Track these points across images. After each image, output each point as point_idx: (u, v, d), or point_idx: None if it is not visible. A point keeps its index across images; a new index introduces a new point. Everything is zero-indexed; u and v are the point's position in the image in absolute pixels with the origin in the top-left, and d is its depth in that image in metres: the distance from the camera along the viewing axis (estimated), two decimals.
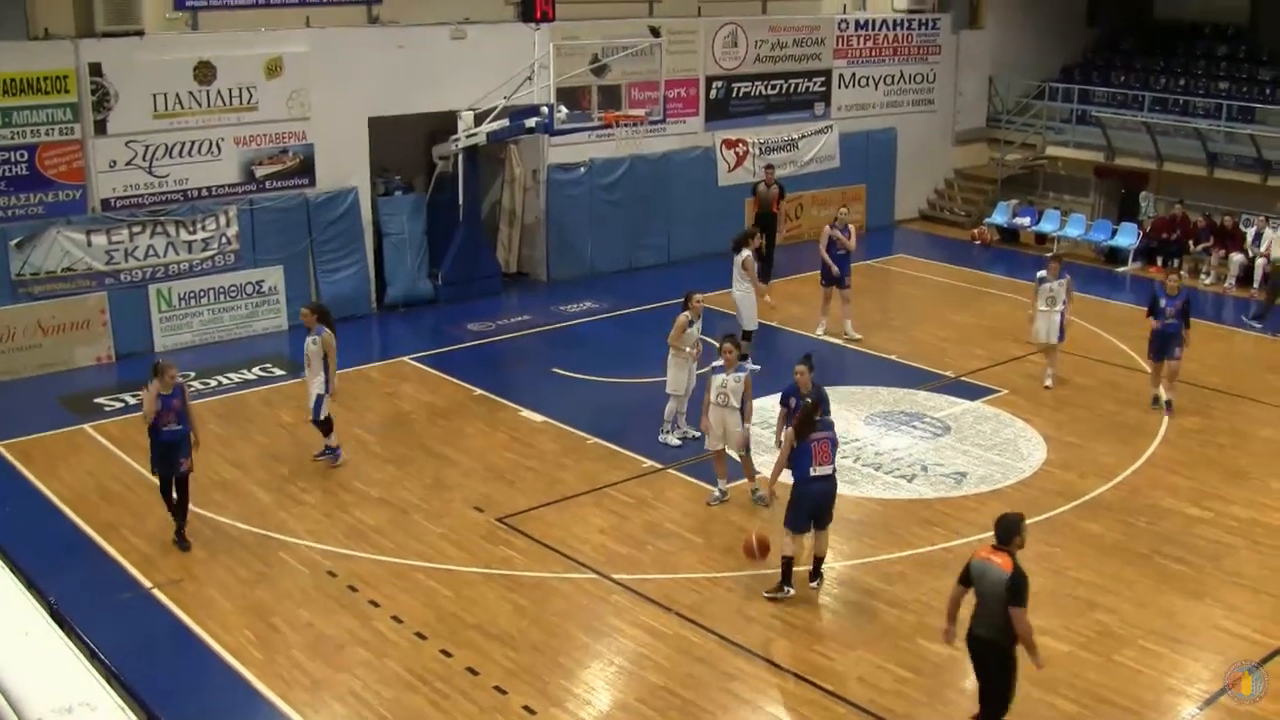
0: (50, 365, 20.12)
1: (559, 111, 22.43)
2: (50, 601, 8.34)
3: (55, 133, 19.93)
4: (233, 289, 21.90)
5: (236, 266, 21.93)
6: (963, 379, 20.03)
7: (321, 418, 16.41)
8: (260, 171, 22.05)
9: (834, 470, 13.22)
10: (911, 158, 31.47)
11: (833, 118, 29.95)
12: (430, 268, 24.27)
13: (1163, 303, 18.29)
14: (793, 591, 13.27)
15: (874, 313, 23.13)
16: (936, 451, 17.22)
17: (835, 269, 21.61)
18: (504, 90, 22.99)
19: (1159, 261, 27.44)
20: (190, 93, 21.07)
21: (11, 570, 7.71)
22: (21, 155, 19.70)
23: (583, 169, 25.84)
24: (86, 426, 18.03)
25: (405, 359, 21.14)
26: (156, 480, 14.52)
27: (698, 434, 16.52)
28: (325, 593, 13.41)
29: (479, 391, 19.48)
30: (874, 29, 30.35)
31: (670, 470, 16.50)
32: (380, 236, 23.78)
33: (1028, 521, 13.79)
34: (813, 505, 13.13)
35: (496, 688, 11.65)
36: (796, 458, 13.08)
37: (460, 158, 23.74)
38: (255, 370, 20.08)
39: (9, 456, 16.95)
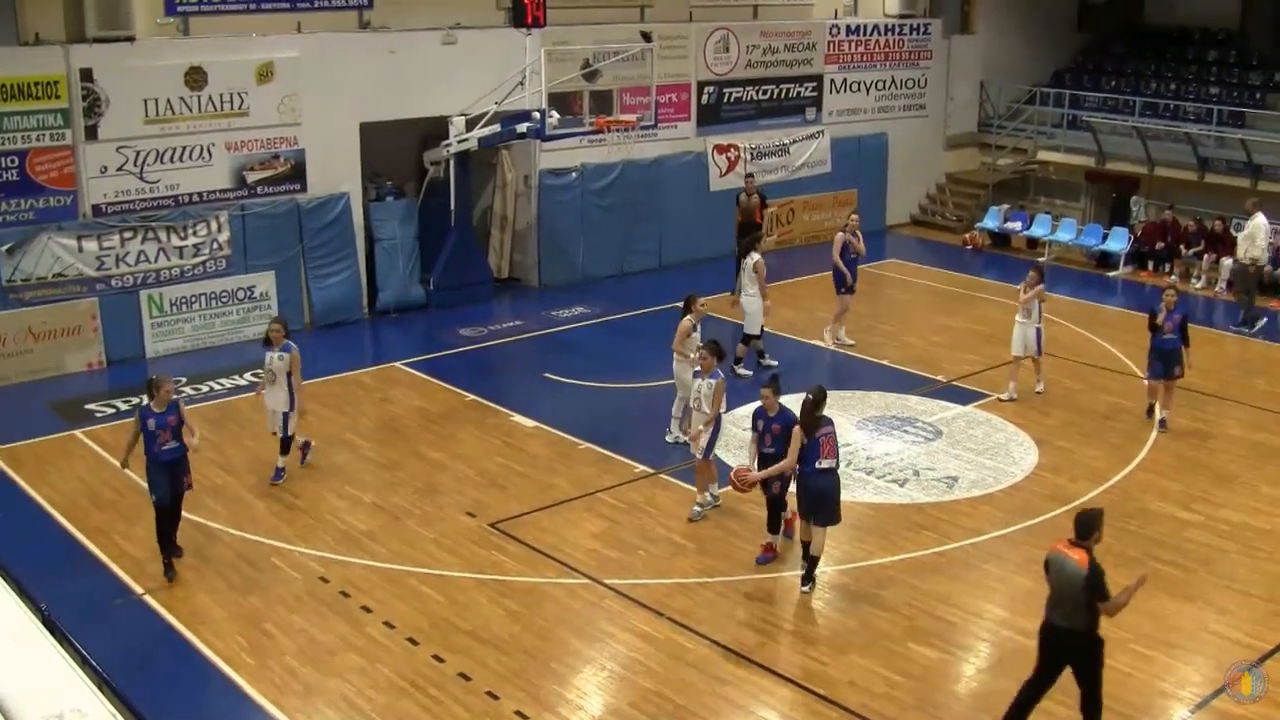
0: (41, 371, 20.08)
1: (550, 117, 22.44)
2: (41, 608, 8.33)
3: (46, 138, 19.91)
4: (224, 295, 21.89)
5: (228, 272, 21.91)
6: (954, 384, 20.06)
7: (290, 433, 16.19)
8: (252, 177, 22.04)
9: (836, 465, 13.38)
10: (903, 163, 31.50)
11: (824, 123, 29.98)
12: (422, 273, 24.26)
13: (1161, 318, 17.74)
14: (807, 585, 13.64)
15: (865, 317, 23.14)
16: (928, 456, 17.23)
17: (850, 276, 21.52)
18: (495, 95, 23.00)
19: (1150, 266, 27.53)
20: (181, 98, 21.05)
21: (2, 577, 7.70)
22: (12, 161, 19.67)
23: (574, 174, 25.85)
24: (77, 432, 18.00)
25: (397, 364, 21.13)
26: (153, 506, 13.74)
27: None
28: (317, 598, 13.39)
29: (471, 397, 19.47)
30: (865, 34, 30.39)
31: (662, 475, 16.50)
32: (372, 242, 23.77)
33: (1023, 525, 13.83)
34: (812, 497, 13.33)
35: (489, 693, 11.65)
36: (805, 451, 13.27)
37: (452, 163, 23.75)
38: (247, 376, 20.01)
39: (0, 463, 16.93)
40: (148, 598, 13.37)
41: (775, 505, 14.04)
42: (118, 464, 13.94)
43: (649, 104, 24.36)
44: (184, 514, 14.41)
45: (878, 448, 17.44)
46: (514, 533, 14.92)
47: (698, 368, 15.24)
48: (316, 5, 22.72)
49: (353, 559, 14.26)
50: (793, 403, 13.75)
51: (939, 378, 20.34)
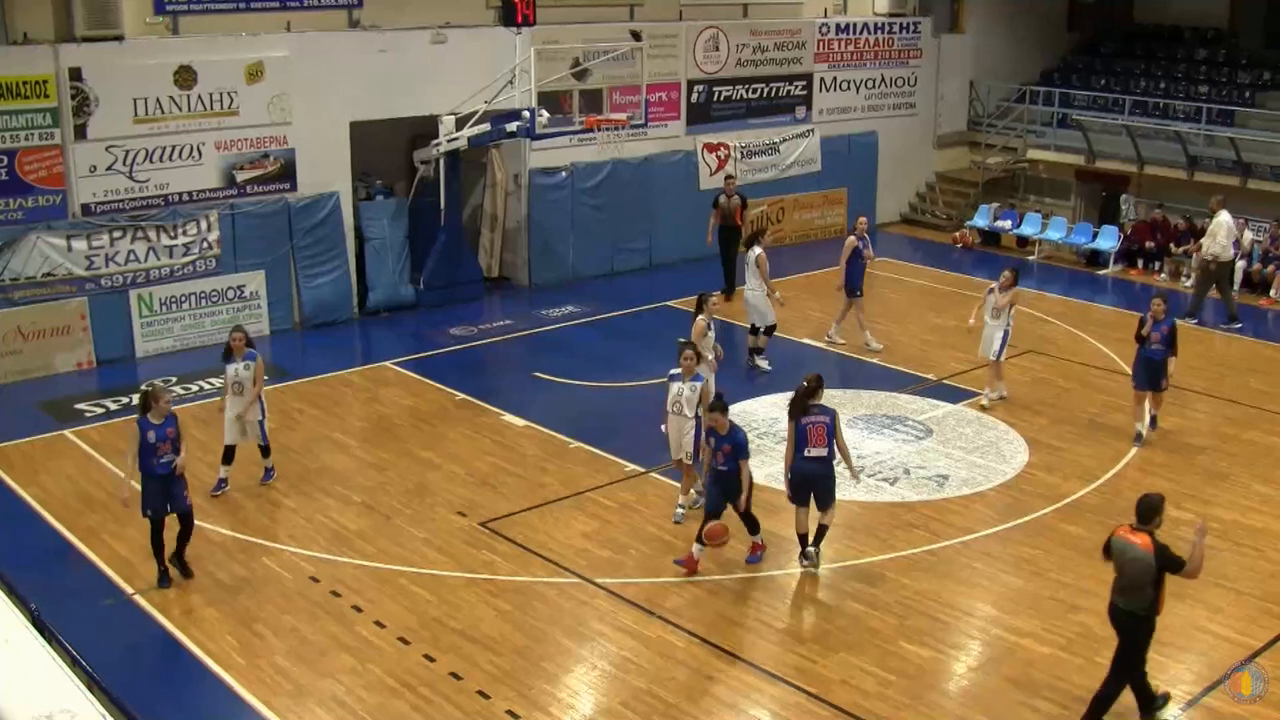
0: (30, 371, 20.03)
1: (540, 116, 22.42)
2: (31, 609, 8.31)
3: (35, 138, 19.86)
4: (214, 294, 21.84)
5: (217, 272, 21.87)
6: (945, 382, 20.07)
7: (267, 439, 16.03)
8: (241, 176, 22.00)
9: (829, 454, 13.65)
10: (893, 161, 31.55)
11: (814, 121, 29.99)
12: (412, 272, 24.23)
13: (1148, 328, 17.28)
14: (809, 564, 13.94)
15: (856, 316, 23.12)
16: (919, 454, 17.25)
17: (856, 281, 21.47)
18: (485, 94, 22.99)
19: (1140, 264, 27.58)
20: (171, 97, 21.01)
21: None
22: (1, 160, 19.62)
23: (564, 173, 25.83)
24: (67, 432, 17.96)
25: (387, 364, 21.11)
26: (148, 523, 13.45)
27: None
28: (308, 598, 13.37)
29: (461, 396, 19.45)
30: (855, 33, 30.41)
31: (653, 474, 16.49)
32: (362, 241, 23.74)
33: (1014, 523, 13.85)
34: (804, 482, 13.76)
35: (480, 692, 11.64)
36: (796, 439, 13.65)
37: (442, 162, 23.72)
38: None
39: None
40: (138, 598, 13.34)
41: (746, 523, 14.03)
42: (122, 497, 13.43)
43: (639, 103, 24.36)
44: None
45: (868, 446, 17.44)
46: (505, 532, 14.90)
47: (675, 370, 15.04)
48: (306, 4, 22.71)
49: (343, 559, 14.24)
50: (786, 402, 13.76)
51: (929, 376, 20.35)
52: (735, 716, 11.44)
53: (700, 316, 17.10)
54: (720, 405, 13.73)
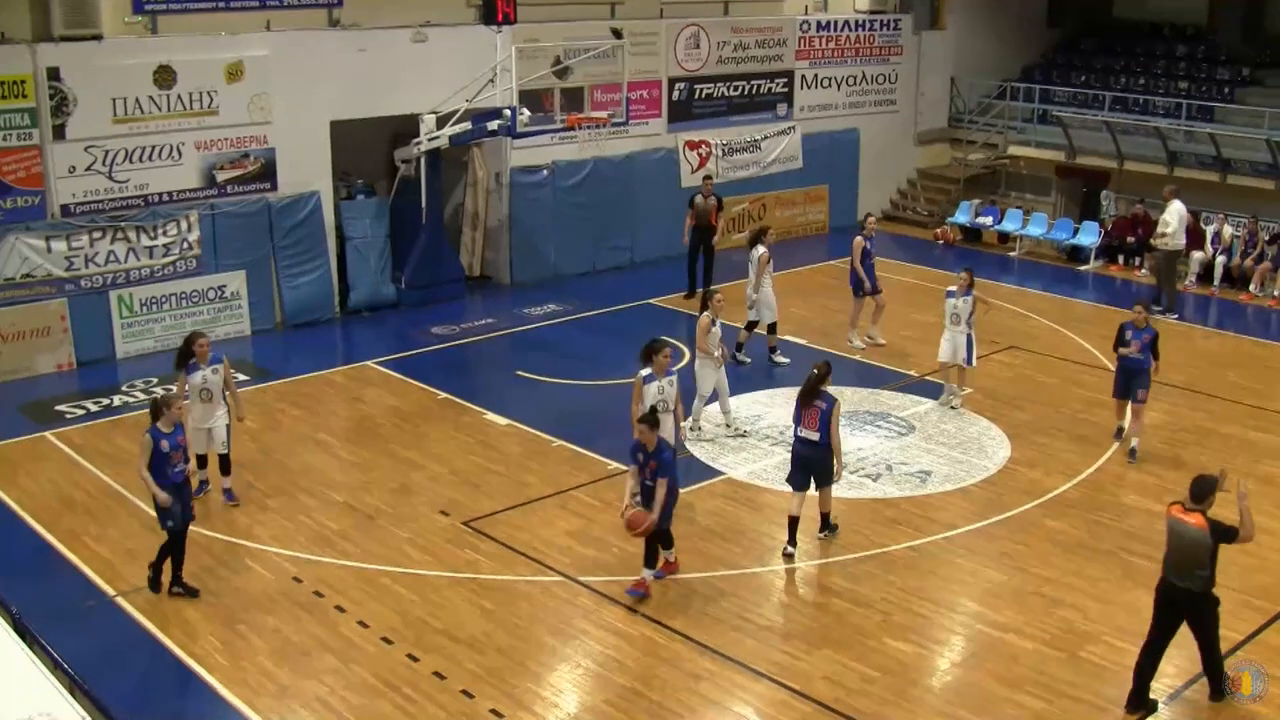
0: (10, 373, 19.93)
1: (521, 114, 22.39)
2: (12, 611, 8.28)
3: (13, 138, 19.76)
4: (195, 294, 21.77)
5: (198, 272, 21.79)
6: (927, 378, 20.08)
7: (228, 449, 15.54)
8: (221, 176, 21.93)
9: (820, 439, 14.01)
10: (874, 158, 31.59)
11: (795, 118, 30.02)
12: (393, 271, 24.18)
13: (1129, 334, 16.93)
14: (793, 550, 14.17)
15: (837, 313, 23.15)
16: (901, 451, 17.28)
17: (868, 282, 21.42)
18: (466, 93, 22.96)
19: (1121, 260, 27.66)
20: (150, 97, 20.93)
21: None
22: None
23: (546, 171, 25.81)
24: (48, 434, 17.88)
25: (369, 363, 21.06)
26: (167, 533, 13.11)
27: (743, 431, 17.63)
28: (291, 599, 13.34)
29: (443, 395, 19.42)
30: (836, 30, 30.44)
31: None
32: (343, 241, 23.68)
33: (997, 519, 13.89)
34: (799, 463, 14.27)
35: (464, 691, 11.63)
36: (794, 420, 14.29)
37: (423, 161, 23.69)
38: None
39: None
40: (120, 600, 13.29)
41: (661, 539, 13.43)
42: (163, 502, 12.95)
43: (620, 100, 24.33)
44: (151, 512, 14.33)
45: (851, 443, 17.39)
46: (488, 531, 14.89)
47: (645, 371, 14.88)
48: (286, 3, 22.63)
49: (326, 559, 14.21)
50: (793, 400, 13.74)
51: (911, 373, 20.38)
52: (719, 713, 11.44)
53: (704, 313, 17.08)
54: (652, 417, 13.32)
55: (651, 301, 24.31)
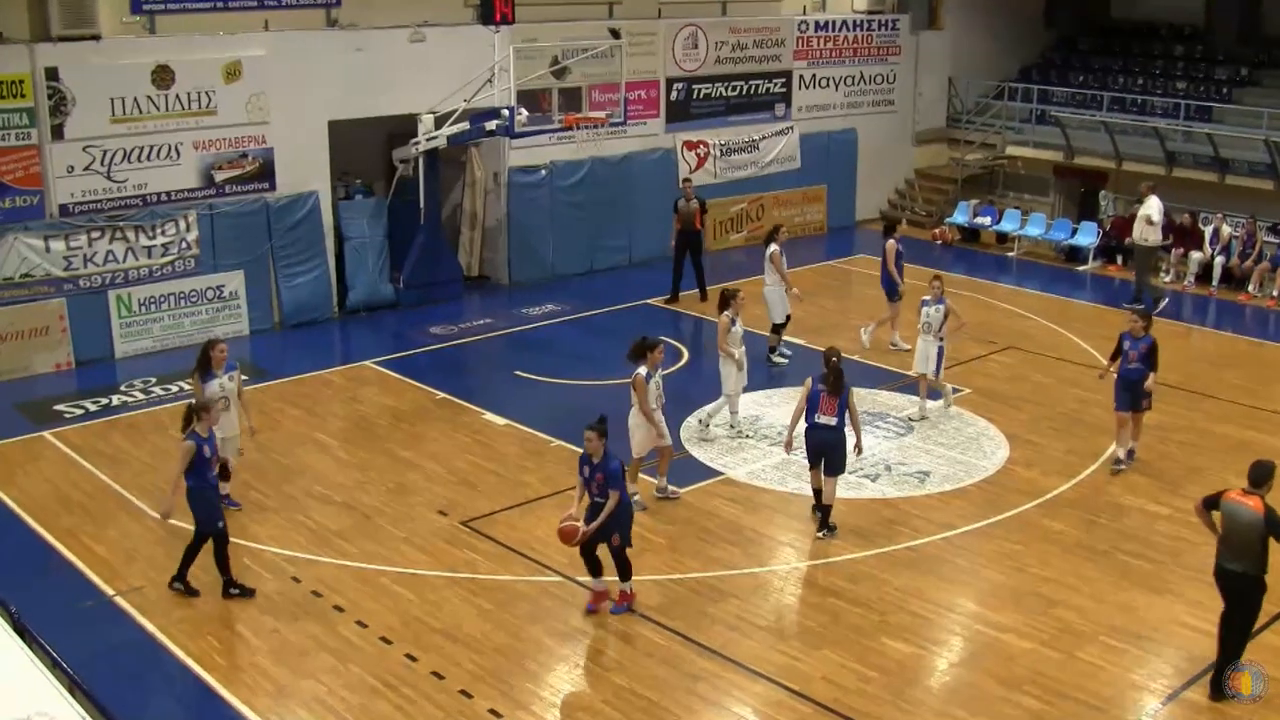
0: (8, 372, 19.92)
1: (519, 114, 22.42)
2: (11, 611, 8.28)
3: (11, 138, 19.76)
4: (193, 294, 21.78)
5: (196, 272, 21.80)
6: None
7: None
8: (220, 176, 21.93)
9: (839, 424, 14.43)
10: (872, 158, 31.59)
11: (793, 119, 30.03)
12: (391, 271, 24.19)
13: (1126, 345, 16.45)
14: (823, 531, 14.70)
15: (835, 313, 23.18)
16: (900, 451, 17.28)
17: (902, 285, 21.37)
18: (464, 93, 22.95)
19: (1119, 260, 27.66)
20: (148, 97, 20.94)
21: None
22: None
23: (543, 171, 25.81)
24: (46, 434, 17.88)
25: (367, 363, 21.06)
26: (211, 539, 13.15)
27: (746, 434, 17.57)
28: (289, 599, 13.35)
29: (441, 395, 19.43)
30: (834, 30, 30.45)
31: None
32: (341, 240, 23.69)
33: (995, 519, 13.90)
34: (814, 447, 14.65)
35: (462, 691, 11.63)
36: (808, 404, 14.55)
37: (421, 161, 23.68)
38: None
39: None
40: (118, 599, 13.30)
41: (618, 556, 12.99)
42: (166, 511, 13.18)
43: (618, 101, 24.35)
44: (155, 513, 14.31)
45: (849, 443, 17.43)
46: (486, 531, 14.89)
47: (641, 370, 14.91)
48: (284, 3, 22.64)
49: (324, 559, 14.21)
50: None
51: (910, 373, 20.36)
52: (717, 714, 11.45)
53: (725, 313, 17.10)
54: (600, 425, 12.82)
55: (649, 301, 24.32)
